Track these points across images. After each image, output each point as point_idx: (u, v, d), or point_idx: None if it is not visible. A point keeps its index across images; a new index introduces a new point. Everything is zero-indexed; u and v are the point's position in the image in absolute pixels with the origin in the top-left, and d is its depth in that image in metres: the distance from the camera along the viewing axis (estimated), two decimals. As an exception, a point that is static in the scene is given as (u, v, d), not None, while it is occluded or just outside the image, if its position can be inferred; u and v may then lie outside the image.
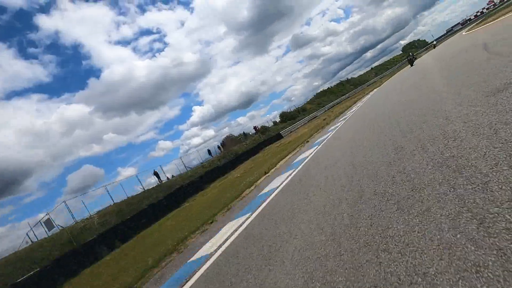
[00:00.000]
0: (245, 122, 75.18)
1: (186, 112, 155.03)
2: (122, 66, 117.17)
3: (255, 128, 40.51)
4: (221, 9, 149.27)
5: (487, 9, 71.73)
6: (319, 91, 66.18)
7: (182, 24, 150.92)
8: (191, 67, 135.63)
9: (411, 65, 27.75)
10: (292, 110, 48.55)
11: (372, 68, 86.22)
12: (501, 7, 41.40)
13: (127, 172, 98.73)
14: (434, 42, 54.90)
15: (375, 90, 27.92)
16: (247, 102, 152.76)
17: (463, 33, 29.28)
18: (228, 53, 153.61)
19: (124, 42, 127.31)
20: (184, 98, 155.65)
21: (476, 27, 25.70)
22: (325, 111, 42.16)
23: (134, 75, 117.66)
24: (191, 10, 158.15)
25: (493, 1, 72.15)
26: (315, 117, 39.49)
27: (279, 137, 32.42)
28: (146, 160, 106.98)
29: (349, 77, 72.23)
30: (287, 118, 43.48)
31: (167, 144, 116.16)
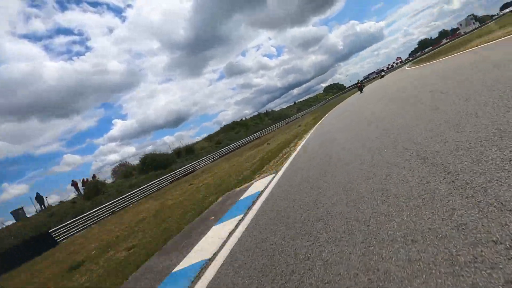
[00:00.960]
0: (172, 142, 65.71)
1: (104, 125, 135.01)
2: (26, 63, 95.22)
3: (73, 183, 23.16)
4: (156, 24, 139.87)
5: (396, 63, 77.35)
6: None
7: (111, 30, 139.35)
8: (116, 77, 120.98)
9: (361, 92, 27.62)
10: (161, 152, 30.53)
11: (295, 103, 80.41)
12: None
13: (16, 190, 66.44)
14: (383, 73, 53.76)
15: (314, 128, 15.96)
16: (176, 121, 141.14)
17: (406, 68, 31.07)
18: (160, 69, 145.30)
19: (33, 38, 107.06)
20: (104, 109, 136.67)
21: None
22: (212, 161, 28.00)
23: (42, 76, 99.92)
24: (123, 19, 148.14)
25: (400, 58, 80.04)
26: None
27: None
28: (46, 174, 78.65)
29: (270, 110, 61.88)
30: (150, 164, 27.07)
31: (76, 158, 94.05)
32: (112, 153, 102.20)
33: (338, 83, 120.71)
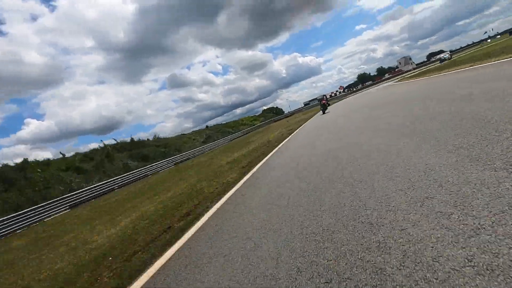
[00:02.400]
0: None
1: (13, 123, 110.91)
2: None
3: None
4: (92, 20, 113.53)
5: (338, 91, 70.61)
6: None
7: (34, 18, 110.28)
8: (34, 70, 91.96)
9: (323, 112, 20.36)
10: None
11: (207, 127, 51.28)
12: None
13: None
14: (325, 101, 40.33)
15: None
16: (105, 128, 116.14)
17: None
18: (92, 70, 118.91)
19: None
20: (16, 104, 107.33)
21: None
22: None
23: None
24: (52, 8, 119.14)
25: (342, 87, 74.45)
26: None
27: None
28: None
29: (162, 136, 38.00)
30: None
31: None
32: (20, 157, 67.65)
33: (277, 107, 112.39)
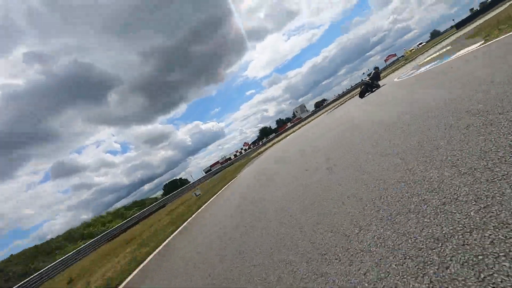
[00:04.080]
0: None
1: None
2: None
3: None
4: None
5: (244, 149, 59.65)
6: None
7: None
8: None
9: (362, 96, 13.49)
10: None
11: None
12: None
13: None
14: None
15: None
16: None
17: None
18: None
19: None
20: None
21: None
22: None
23: None
24: None
25: (247, 143, 64.39)
26: None
27: None
28: None
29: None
30: None
31: None
32: None
33: (181, 178, 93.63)
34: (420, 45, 45.78)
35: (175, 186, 71.65)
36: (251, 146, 67.94)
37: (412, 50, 41.38)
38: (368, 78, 13.20)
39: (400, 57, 52.32)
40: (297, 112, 76.42)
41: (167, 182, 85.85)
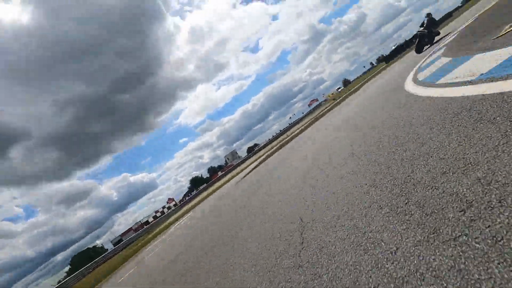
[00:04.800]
0: None
1: None
2: None
3: None
4: None
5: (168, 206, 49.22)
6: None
7: None
8: None
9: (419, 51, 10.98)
10: None
11: None
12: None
13: None
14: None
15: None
16: None
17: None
18: None
19: None
20: None
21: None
22: None
23: None
24: None
25: (172, 199, 53.60)
26: None
27: None
28: None
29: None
30: None
31: None
32: None
33: (95, 246, 70.09)
34: (339, 90, 49.03)
35: (89, 257, 50.95)
36: (176, 204, 56.26)
37: (333, 94, 43.30)
38: (422, 28, 11.03)
39: (322, 102, 55.08)
40: (228, 159, 70.89)
41: (75, 254, 63.35)
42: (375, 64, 77.60)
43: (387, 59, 28.30)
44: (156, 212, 46.73)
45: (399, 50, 25.43)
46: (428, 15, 11.30)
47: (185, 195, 69.75)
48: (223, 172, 61.18)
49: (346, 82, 76.49)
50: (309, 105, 65.39)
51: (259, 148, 75.62)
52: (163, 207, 49.67)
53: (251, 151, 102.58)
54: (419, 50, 10.88)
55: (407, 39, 25.42)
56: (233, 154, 69.91)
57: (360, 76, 66.52)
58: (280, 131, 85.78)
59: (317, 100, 61.71)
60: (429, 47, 10.64)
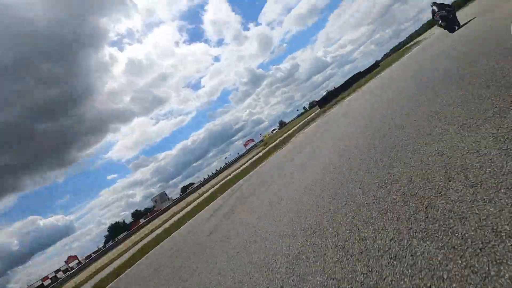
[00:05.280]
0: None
1: None
2: None
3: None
4: None
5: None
6: None
7: None
8: None
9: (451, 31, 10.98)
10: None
11: None
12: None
13: None
14: None
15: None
16: None
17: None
18: None
19: None
20: None
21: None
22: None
23: None
24: None
25: (75, 257, 43.85)
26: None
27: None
28: None
29: None
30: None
31: None
32: None
33: None
34: (273, 131, 50.15)
35: None
36: (94, 254, 44.26)
37: (268, 135, 43.87)
38: (438, 11, 10.53)
39: (258, 142, 55.23)
40: (156, 201, 62.14)
41: None
42: (307, 109, 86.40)
43: (320, 103, 30.27)
44: (43, 279, 34.25)
45: (330, 96, 28.17)
46: (434, 3, 11.08)
47: (96, 251, 55.24)
48: (146, 219, 52.29)
49: (282, 124, 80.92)
50: (245, 146, 64.98)
51: (193, 188, 69.77)
52: (56, 271, 37.29)
53: (185, 191, 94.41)
54: (452, 30, 10.69)
55: (336, 86, 29.10)
56: (162, 196, 61.65)
57: (295, 118, 72.79)
58: (217, 170, 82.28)
59: (253, 140, 61.91)
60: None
